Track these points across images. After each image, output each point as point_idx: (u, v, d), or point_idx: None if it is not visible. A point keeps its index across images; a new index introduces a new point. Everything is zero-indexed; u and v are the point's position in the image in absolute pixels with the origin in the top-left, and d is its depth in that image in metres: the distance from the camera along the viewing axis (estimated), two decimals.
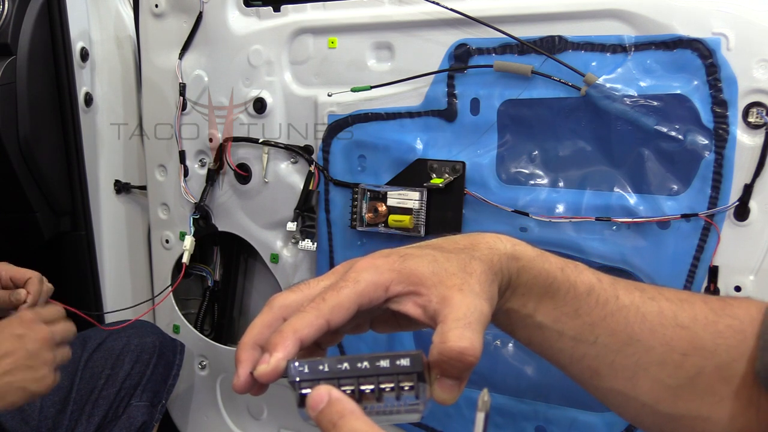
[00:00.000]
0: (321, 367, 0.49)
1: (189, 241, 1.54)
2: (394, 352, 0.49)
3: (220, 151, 1.49)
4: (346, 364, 0.49)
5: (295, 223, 1.42)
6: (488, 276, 0.55)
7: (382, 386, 0.49)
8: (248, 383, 0.52)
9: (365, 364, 0.49)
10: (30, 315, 1.05)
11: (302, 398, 0.49)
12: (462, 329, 0.50)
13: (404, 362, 0.49)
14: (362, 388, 0.49)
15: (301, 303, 0.54)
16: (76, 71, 1.50)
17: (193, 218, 1.55)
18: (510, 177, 1.25)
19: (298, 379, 0.49)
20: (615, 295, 0.60)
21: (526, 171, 1.24)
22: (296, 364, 0.49)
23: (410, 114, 1.31)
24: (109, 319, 1.59)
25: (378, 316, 0.60)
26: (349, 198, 1.35)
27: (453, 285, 0.53)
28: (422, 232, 1.28)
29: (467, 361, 0.49)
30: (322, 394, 0.47)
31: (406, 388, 0.49)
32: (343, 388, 0.49)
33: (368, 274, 0.53)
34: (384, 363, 0.49)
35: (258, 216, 1.51)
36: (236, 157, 1.49)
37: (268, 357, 0.50)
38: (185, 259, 1.54)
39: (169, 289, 1.59)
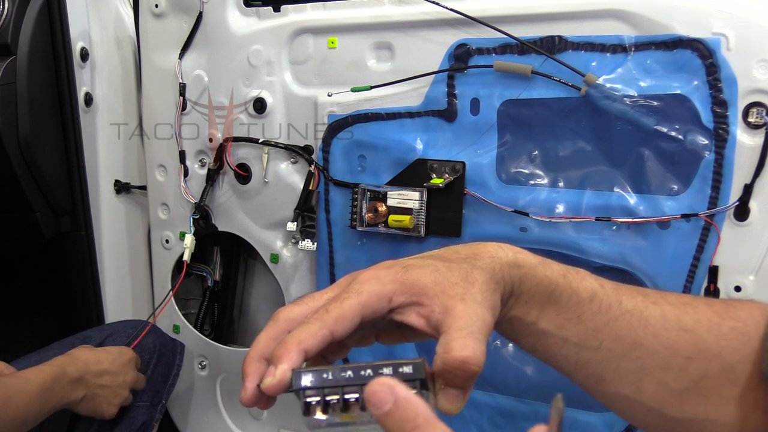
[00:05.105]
0: (325, 376, 0.49)
1: (189, 240, 1.54)
2: (397, 360, 0.50)
3: (220, 151, 1.49)
4: (349, 372, 0.49)
5: (295, 223, 1.42)
6: (490, 285, 0.55)
7: None
8: (255, 396, 0.52)
9: (369, 372, 0.49)
10: (137, 357, 1.32)
11: (307, 407, 0.49)
12: (465, 339, 0.50)
13: (407, 369, 0.49)
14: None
15: (305, 315, 0.54)
16: (76, 71, 1.50)
17: (193, 218, 1.55)
18: (510, 177, 1.25)
19: (302, 387, 0.49)
20: (618, 300, 0.60)
21: (526, 171, 1.24)
22: (300, 373, 0.50)
23: (410, 114, 1.30)
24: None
25: (383, 328, 0.60)
26: (349, 198, 1.35)
27: (455, 295, 0.53)
28: (422, 232, 1.28)
29: (470, 370, 0.50)
30: (385, 394, 0.41)
31: None
32: (347, 396, 0.49)
33: (371, 286, 0.54)
34: (387, 371, 0.49)
35: (258, 216, 1.51)
36: (236, 157, 1.49)
37: (274, 369, 0.50)
38: (186, 257, 1.53)
39: (171, 293, 1.59)
